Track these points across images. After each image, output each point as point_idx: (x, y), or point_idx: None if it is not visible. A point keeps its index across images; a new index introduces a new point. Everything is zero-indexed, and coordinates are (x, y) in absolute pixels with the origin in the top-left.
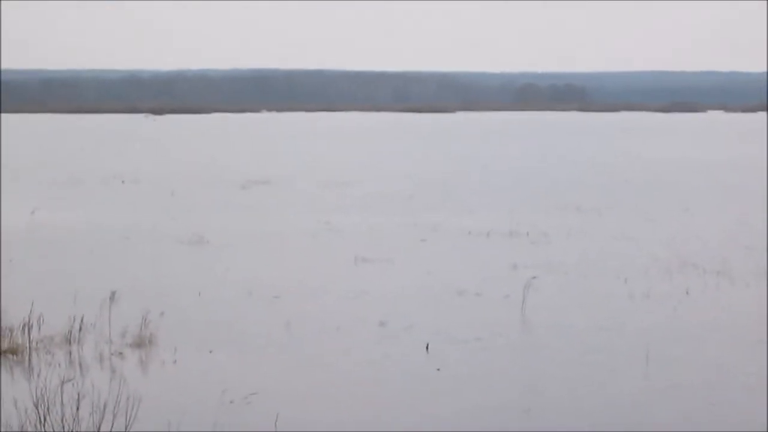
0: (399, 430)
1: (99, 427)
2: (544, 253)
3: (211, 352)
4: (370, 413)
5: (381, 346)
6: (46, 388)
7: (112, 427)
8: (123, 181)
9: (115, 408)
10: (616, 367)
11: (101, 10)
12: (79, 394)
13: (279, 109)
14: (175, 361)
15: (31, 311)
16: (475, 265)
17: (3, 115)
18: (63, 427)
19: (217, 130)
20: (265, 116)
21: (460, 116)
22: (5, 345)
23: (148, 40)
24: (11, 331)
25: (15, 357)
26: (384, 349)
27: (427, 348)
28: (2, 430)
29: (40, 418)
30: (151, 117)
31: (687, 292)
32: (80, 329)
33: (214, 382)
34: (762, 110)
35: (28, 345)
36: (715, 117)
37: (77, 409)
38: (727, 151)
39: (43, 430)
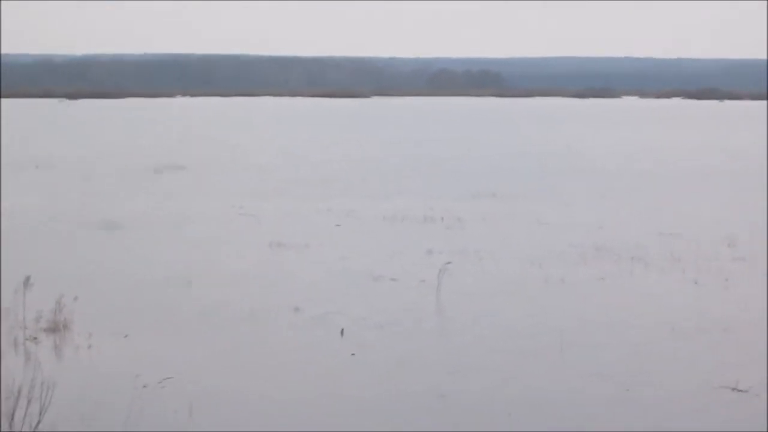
0: (313, 415)
1: (13, 412)
2: (459, 238)
3: (125, 336)
4: (284, 397)
5: (296, 331)
6: None
7: (26, 412)
8: (37, 166)
9: (29, 393)
10: (532, 352)
11: None
12: None
13: (194, 94)
14: (89, 346)
15: None
16: (390, 250)
17: None
18: None
19: (132, 114)
20: (180, 101)
21: (375, 101)
22: None
23: (60, 23)
24: None
25: None
26: (299, 334)
27: (342, 333)
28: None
29: None
30: (66, 102)
31: (602, 278)
32: None
33: (128, 366)
34: (677, 96)
35: None
36: (630, 103)
37: None
38: (643, 137)
39: None
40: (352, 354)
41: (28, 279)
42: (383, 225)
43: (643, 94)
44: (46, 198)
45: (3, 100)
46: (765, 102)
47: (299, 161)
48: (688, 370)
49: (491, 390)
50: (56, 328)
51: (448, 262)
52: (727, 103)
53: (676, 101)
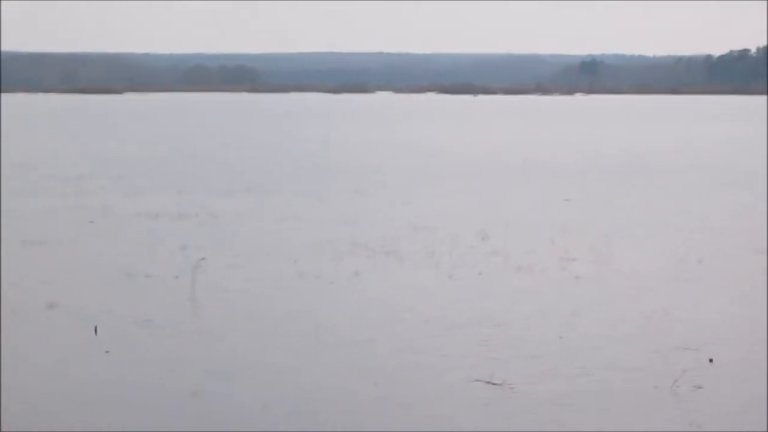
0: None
1: None
2: (214, 234)
3: None
4: (38, 395)
5: (49, 328)
6: None
7: None
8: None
9: None
10: (289, 349)
11: None
12: None
13: None
14: None
15: None
16: (144, 246)
17: None
18: None
19: None
20: None
21: (129, 97)
22: None
23: None
24: None
25: None
26: (52, 332)
27: (95, 330)
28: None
29: None
30: None
31: (357, 273)
32: None
33: None
34: (431, 91)
35: None
36: (384, 98)
37: None
38: (400, 132)
39: None
40: (107, 351)
41: None
42: (137, 221)
43: (396, 89)
44: None
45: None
46: (520, 96)
47: (54, 157)
48: (441, 364)
49: (247, 386)
50: None
51: (203, 258)
52: (481, 97)
53: (430, 96)
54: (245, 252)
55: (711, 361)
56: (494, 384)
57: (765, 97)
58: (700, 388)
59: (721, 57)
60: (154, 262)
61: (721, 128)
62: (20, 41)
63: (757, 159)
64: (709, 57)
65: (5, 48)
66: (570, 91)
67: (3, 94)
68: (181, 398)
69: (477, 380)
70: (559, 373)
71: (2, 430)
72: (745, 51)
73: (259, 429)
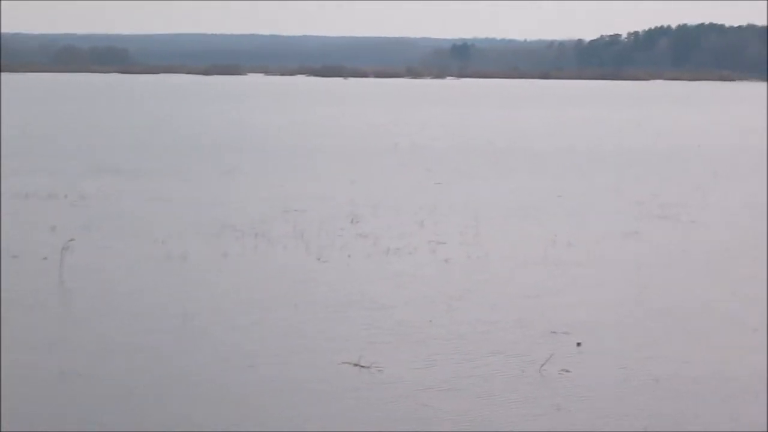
0: None
1: None
2: (83, 215)
3: None
4: None
5: None
6: None
7: None
8: None
9: None
10: (159, 331)
11: None
12: None
13: None
14: None
15: None
16: (13, 227)
17: None
18: None
19: None
20: None
21: None
22: None
23: None
24: None
25: None
26: None
27: None
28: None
29: None
30: None
31: (225, 254)
32: None
33: None
34: (302, 73)
35: None
36: (255, 80)
37: None
38: (269, 113)
39: None
40: None
41: None
42: (6, 202)
43: (267, 71)
44: None
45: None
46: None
47: None
48: (310, 346)
49: (116, 369)
50: None
51: (71, 239)
52: (352, 80)
53: (301, 78)
54: (114, 233)
55: (579, 344)
56: (362, 366)
57: (635, 82)
58: (567, 371)
59: (593, 42)
60: (22, 242)
61: (590, 112)
62: None
63: (626, 142)
64: (580, 42)
65: None
66: (441, 75)
67: None
68: (48, 379)
69: (344, 362)
70: (425, 356)
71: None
72: (616, 36)
73: (125, 409)
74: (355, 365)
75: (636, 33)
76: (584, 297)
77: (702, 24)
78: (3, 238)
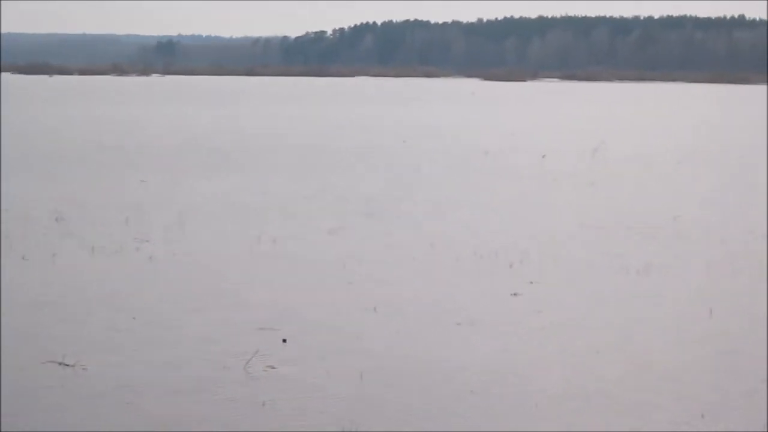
0: None
1: None
2: None
3: None
4: None
5: None
6: None
7: None
8: None
9: None
10: None
11: None
12: None
13: None
14: None
15: None
16: None
17: None
18: None
19: None
20: None
21: None
22: None
23: None
24: None
25: None
26: None
27: None
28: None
29: None
30: None
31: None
32: None
33: None
34: (7, 71)
35: None
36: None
37: None
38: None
39: None
40: None
41: None
42: None
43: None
44: None
45: None
46: (97, 77)
47: None
48: (12, 345)
49: None
50: None
51: None
52: (57, 78)
53: (6, 76)
54: None
55: (285, 341)
56: (66, 365)
57: (338, 78)
58: (272, 368)
59: (298, 38)
60: None
61: (296, 108)
62: None
63: (339, 140)
64: (285, 39)
65: None
66: (146, 72)
67: None
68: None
69: (49, 361)
70: (129, 353)
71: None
72: (322, 33)
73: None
74: (60, 363)
75: (342, 30)
76: (291, 292)
77: (407, 20)
78: None
